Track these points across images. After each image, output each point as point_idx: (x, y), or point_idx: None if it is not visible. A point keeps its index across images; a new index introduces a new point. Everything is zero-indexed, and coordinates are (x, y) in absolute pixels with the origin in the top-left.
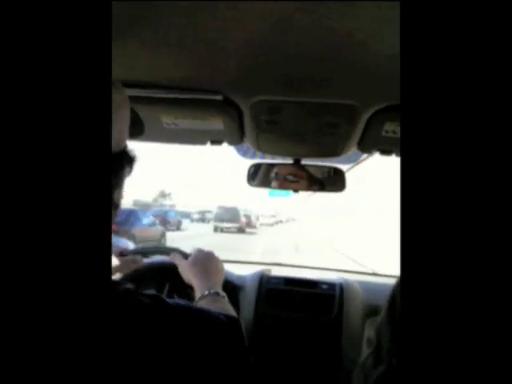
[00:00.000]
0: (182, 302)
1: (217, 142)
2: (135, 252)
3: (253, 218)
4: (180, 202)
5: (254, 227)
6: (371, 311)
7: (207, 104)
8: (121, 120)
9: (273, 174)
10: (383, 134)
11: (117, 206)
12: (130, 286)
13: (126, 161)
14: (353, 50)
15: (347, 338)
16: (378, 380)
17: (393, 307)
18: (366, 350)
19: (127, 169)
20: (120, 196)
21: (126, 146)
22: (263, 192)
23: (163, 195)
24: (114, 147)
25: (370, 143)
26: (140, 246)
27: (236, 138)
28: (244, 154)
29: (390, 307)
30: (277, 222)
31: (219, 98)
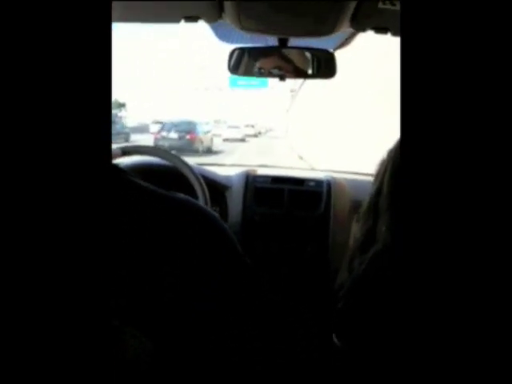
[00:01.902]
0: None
1: (192, 18)
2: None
3: (199, 133)
4: (136, 113)
5: (196, 150)
6: (358, 207)
7: None
8: None
9: (256, 69)
10: (380, 5)
11: None
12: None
13: None
14: None
15: (334, 233)
16: (373, 258)
17: (394, 179)
18: (353, 246)
19: None
20: None
21: None
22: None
23: (117, 106)
24: None
25: (365, 18)
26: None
27: (214, 12)
28: (222, 36)
29: (391, 178)
30: (256, 135)
31: None
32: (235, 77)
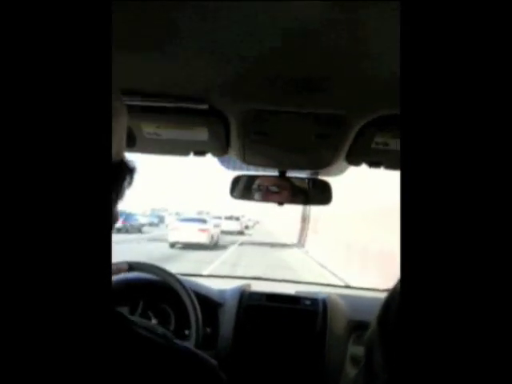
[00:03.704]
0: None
1: (200, 153)
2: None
3: None
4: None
5: None
6: (355, 327)
7: (192, 113)
8: (120, 128)
9: (255, 186)
10: (373, 146)
11: (116, 217)
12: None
13: (125, 172)
14: (345, 59)
15: (330, 354)
16: None
17: (384, 322)
18: (350, 369)
19: (127, 180)
20: (118, 209)
21: (124, 157)
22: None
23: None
24: (114, 157)
25: (360, 155)
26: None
27: (221, 149)
28: (228, 165)
29: (380, 322)
30: (241, 232)
31: (204, 107)
32: None
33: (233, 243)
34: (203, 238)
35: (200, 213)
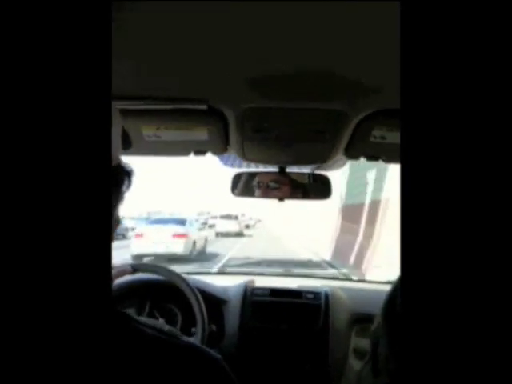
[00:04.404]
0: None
1: (200, 152)
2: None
3: None
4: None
5: None
6: (358, 319)
7: (191, 114)
8: (114, 134)
9: (255, 183)
10: (371, 139)
11: (118, 222)
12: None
13: (123, 175)
14: (341, 56)
15: (334, 347)
16: None
17: (390, 313)
18: (353, 361)
19: (125, 183)
20: (119, 212)
21: (120, 160)
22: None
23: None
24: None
25: (358, 149)
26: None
27: (220, 147)
28: (227, 162)
29: (386, 313)
30: (240, 233)
31: (203, 107)
32: None
33: (225, 255)
34: (179, 247)
35: (201, 213)
